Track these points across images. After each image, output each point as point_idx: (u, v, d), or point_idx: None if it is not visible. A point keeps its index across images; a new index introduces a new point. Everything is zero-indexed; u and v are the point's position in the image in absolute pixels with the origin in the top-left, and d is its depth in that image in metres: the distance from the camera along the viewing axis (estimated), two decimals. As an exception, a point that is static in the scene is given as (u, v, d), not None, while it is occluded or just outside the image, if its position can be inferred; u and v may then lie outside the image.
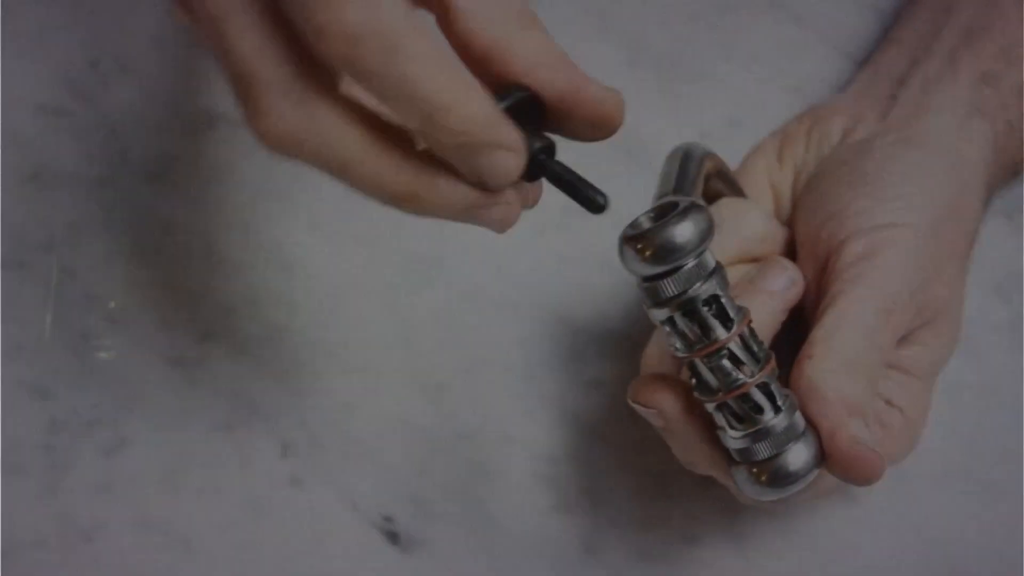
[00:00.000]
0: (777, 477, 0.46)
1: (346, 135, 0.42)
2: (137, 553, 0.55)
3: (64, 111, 0.62)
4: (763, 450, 0.46)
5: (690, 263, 0.45)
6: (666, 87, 0.64)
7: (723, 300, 0.46)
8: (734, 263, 0.53)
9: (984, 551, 0.56)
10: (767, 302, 0.51)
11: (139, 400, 0.57)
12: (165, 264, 0.60)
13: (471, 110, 0.41)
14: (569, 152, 0.62)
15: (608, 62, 0.64)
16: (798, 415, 0.47)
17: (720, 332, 0.46)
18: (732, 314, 0.46)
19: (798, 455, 0.46)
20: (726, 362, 0.46)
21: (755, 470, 0.47)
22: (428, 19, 0.43)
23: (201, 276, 0.60)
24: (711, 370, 0.46)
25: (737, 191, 0.56)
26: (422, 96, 0.40)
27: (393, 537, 0.56)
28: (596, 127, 0.45)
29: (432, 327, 0.59)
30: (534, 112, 0.44)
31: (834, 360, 0.48)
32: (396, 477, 0.57)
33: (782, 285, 0.51)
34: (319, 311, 0.59)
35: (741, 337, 0.46)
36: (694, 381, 0.47)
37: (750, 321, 0.47)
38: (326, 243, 0.60)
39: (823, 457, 0.47)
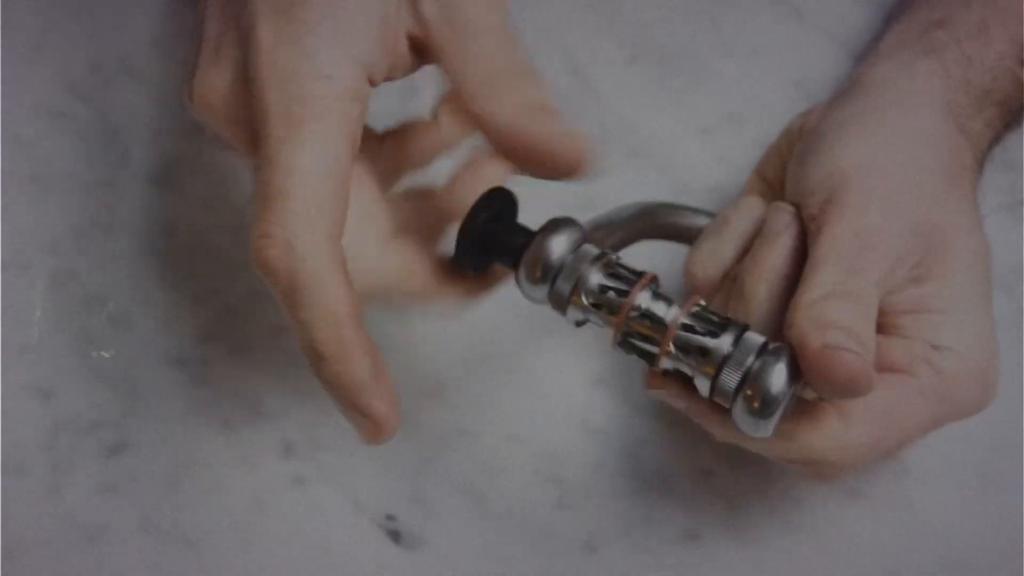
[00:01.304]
0: (766, 399, 0.46)
1: None
2: (140, 553, 0.55)
3: (66, 113, 0.63)
4: (731, 375, 0.46)
5: (568, 261, 0.48)
6: (667, 83, 0.64)
7: (617, 275, 0.48)
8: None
9: (985, 542, 0.56)
10: (777, 241, 0.51)
11: (142, 401, 0.58)
12: (167, 265, 0.60)
13: (341, 370, 0.46)
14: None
15: (609, 59, 0.64)
16: (750, 332, 0.47)
17: (621, 299, 0.48)
18: (632, 279, 0.48)
19: (776, 373, 0.46)
20: (643, 318, 0.48)
21: (744, 403, 0.46)
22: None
23: (203, 277, 0.60)
24: (638, 334, 0.48)
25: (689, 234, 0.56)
26: (307, 338, 0.46)
27: (395, 535, 0.56)
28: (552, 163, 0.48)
29: (434, 326, 0.59)
30: (510, 208, 0.50)
31: (810, 296, 0.48)
32: (398, 476, 0.57)
33: (785, 222, 0.51)
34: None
35: (651, 291, 0.48)
36: (641, 357, 0.48)
37: (652, 278, 0.48)
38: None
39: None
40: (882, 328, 0.50)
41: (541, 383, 0.58)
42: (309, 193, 0.45)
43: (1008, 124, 0.57)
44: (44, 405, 0.57)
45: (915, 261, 0.51)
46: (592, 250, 0.49)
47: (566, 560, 0.56)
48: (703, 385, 0.47)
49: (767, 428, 0.47)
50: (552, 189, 0.60)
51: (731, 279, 0.53)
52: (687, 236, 0.55)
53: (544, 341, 0.59)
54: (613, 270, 0.49)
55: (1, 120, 0.62)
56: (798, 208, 0.52)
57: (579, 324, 0.50)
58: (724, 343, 0.47)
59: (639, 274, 0.49)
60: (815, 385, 0.46)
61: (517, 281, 0.49)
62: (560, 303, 0.49)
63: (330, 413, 0.57)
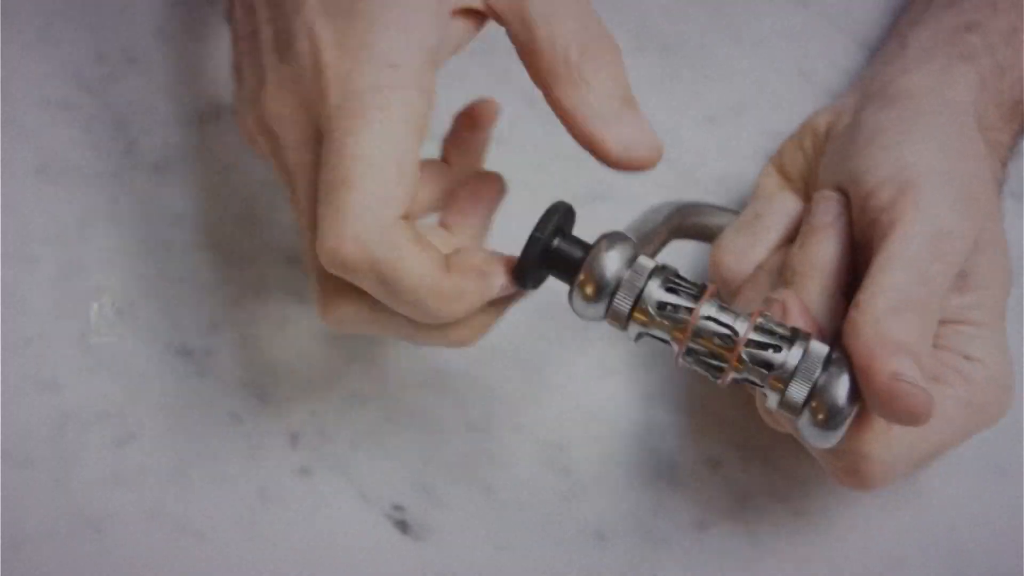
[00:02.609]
0: (832, 412, 0.46)
1: (380, 316, 0.48)
2: (147, 544, 0.55)
3: (71, 104, 0.62)
4: (798, 389, 0.47)
5: (626, 277, 0.48)
6: (672, 72, 0.64)
7: (677, 289, 0.48)
8: (786, 244, 0.54)
9: (994, 531, 0.56)
10: (824, 235, 0.51)
11: (147, 392, 0.58)
12: (172, 256, 0.60)
13: (451, 310, 0.47)
14: (573, 139, 0.62)
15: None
16: (814, 343, 0.47)
17: (686, 311, 0.48)
18: (692, 293, 0.48)
19: (841, 385, 0.46)
20: (709, 332, 0.47)
21: (810, 415, 0.47)
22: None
23: (208, 267, 0.60)
24: (704, 348, 0.48)
25: (711, 233, 0.56)
26: (410, 305, 0.47)
27: (403, 526, 0.56)
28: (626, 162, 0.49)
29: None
30: (570, 220, 0.50)
31: (878, 303, 0.47)
32: (405, 466, 0.57)
33: (833, 215, 0.51)
34: (326, 301, 0.59)
35: (716, 305, 0.48)
36: (706, 372, 0.48)
37: (714, 291, 0.48)
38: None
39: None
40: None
41: (549, 373, 0.58)
42: (378, 183, 0.45)
43: None
44: (50, 397, 0.57)
45: (964, 270, 0.50)
46: (648, 263, 0.48)
47: (574, 550, 0.56)
48: (772, 398, 0.47)
49: (833, 440, 0.47)
50: (560, 178, 0.60)
51: (765, 272, 0.53)
52: (714, 235, 0.55)
53: (552, 331, 0.59)
54: (672, 283, 0.48)
55: (5, 111, 0.62)
56: (847, 198, 0.52)
57: (638, 339, 0.49)
58: (791, 356, 0.47)
59: (699, 286, 0.48)
60: (875, 410, 0.47)
61: (570, 300, 0.49)
62: (619, 319, 0.48)
63: (337, 404, 0.57)
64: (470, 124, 0.53)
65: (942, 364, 0.50)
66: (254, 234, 0.60)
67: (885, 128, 0.52)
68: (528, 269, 0.49)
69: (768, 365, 0.47)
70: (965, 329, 0.51)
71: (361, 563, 0.55)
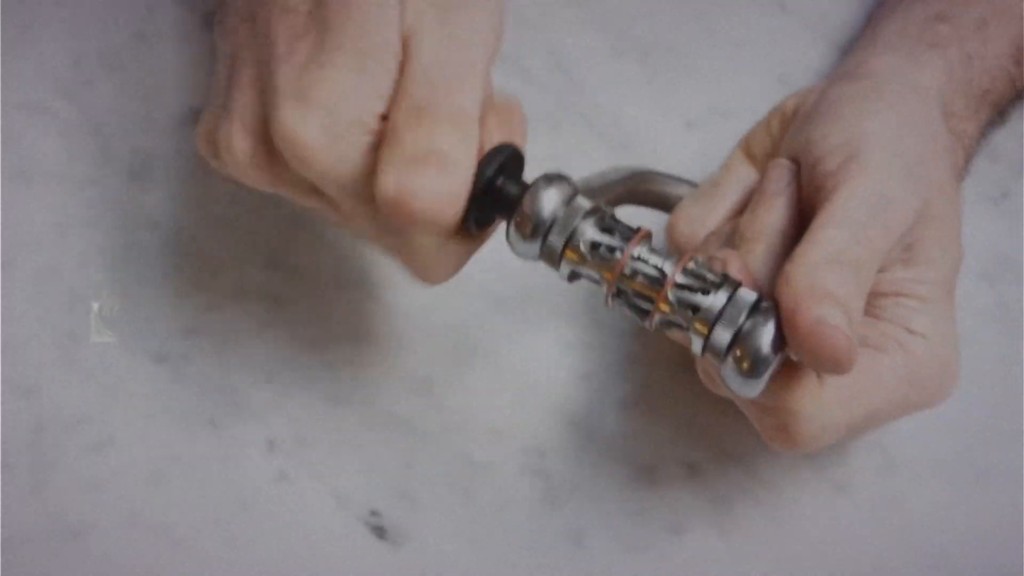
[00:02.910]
0: (755, 360, 0.46)
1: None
2: (125, 550, 0.55)
3: (47, 108, 0.62)
4: (721, 333, 0.46)
5: (561, 215, 0.48)
6: (650, 76, 0.64)
7: (611, 229, 0.48)
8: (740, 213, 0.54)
9: (972, 537, 0.56)
10: (777, 199, 0.51)
11: (125, 397, 0.57)
12: (150, 261, 0.60)
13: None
14: (555, 142, 0.62)
15: (593, 51, 0.64)
16: (743, 290, 0.47)
17: (619, 251, 0.48)
18: (626, 235, 0.48)
19: (766, 332, 0.46)
20: (638, 274, 0.48)
21: (733, 363, 0.46)
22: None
23: (186, 272, 0.60)
24: (632, 290, 0.48)
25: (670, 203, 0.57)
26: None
27: (380, 531, 0.56)
28: None
29: (419, 320, 0.59)
30: (517, 163, 0.50)
31: (813, 255, 0.47)
32: (383, 471, 0.57)
33: (784, 182, 0.51)
34: (304, 306, 0.59)
35: (647, 247, 0.48)
36: (634, 314, 0.49)
37: (646, 234, 0.48)
38: (311, 238, 0.60)
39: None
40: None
41: (526, 377, 0.58)
42: (358, 68, 0.48)
43: (996, 124, 0.58)
44: (27, 402, 0.57)
45: (909, 242, 0.51)
46: (585, 203, 0.48)
47: (552, 554, 0.56)
48: (696, 343, 0.47)
49: (755, 388, 0.47)
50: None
51: (716, 237, 0.53)
52: (672, 205, 0.55)
53: (529, 335, 0.59)
54: (607, 224, 0.48)
55: (-18, 116, 0.62)
56: (799, 167, 0.52)
57: (571, 279, 0.49)
58: (717, 301, 0.47)
59: (634, 230, 0.48)
60: (797, 353, 0.47)
61: (507, 237, 0.49)
62: (552, 257, 0.48)
63: (314, 409, 0.57)
64: None
65: (882, 334, 0.50)
66: (231, 239, 0.60)
67: (844, 101, 0.53)
68: (470, 205, 0.48)
69: (695, 308, 0.47)
70: (908, 302, 0.51)
71: (338, 569, 0.55)
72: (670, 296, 0.47)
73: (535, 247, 0.48)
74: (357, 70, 0.47)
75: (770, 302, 0.47)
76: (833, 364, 0.46)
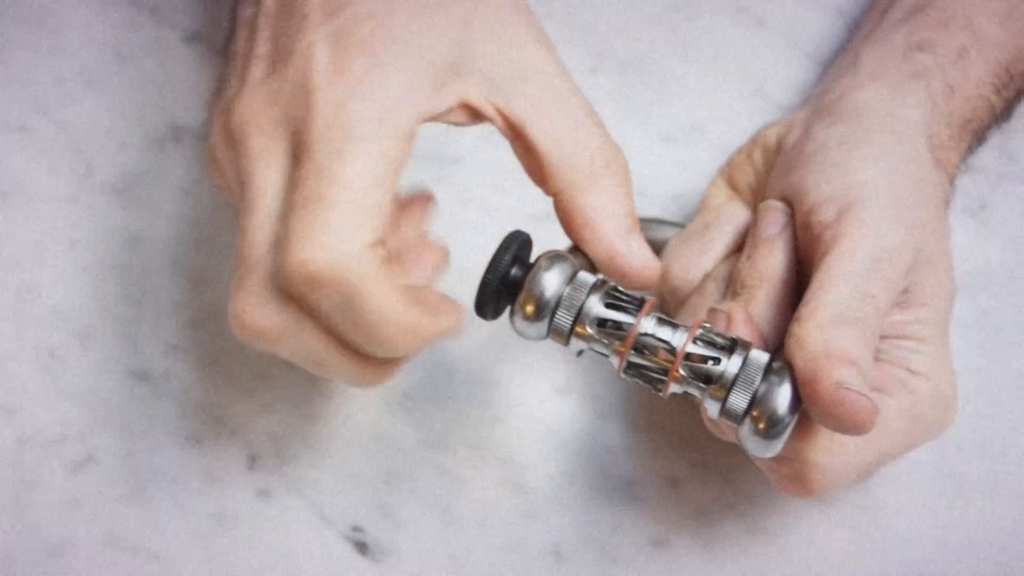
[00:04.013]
0: (772, 421, 0.47)
1: (313, 340, 0.48)
2: (105, 568, 0.55)
3: (28, 127, 0.62)
4: (738, 398, 0.47)
5: (566, 293, 0.48)
6: (629, 92, 0.64)
7: (617, 303, 0.49)
8: (734, 253, 0.54)
9: (952, 548, 0.56)
10: (771, 247, 0.51)
11: (106, 415, 0.57)
12: (130, 279, 0.60)
13: (405, 343, 0.47)
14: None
15: (571, 68, 0.64)
16: (755, 352, 0.48)
17: (628, 323, 0.48)
18: (633, 307, 0.49)
19: (782, 394, 0.47)
20: (649, 345, 0.48)
21: (751, 424, 0.47)
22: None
23: (167, 290, 0.60)
24: (645, 361, 0.48)
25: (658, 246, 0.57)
26: (365, 330, 0.47)
27: (362, 547, 0.56)
28: (630, 283, 0.51)
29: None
30: (526, 249, 0.51)
31: (821, 316, 0.48)
32: (364, 487, 0.57)
33: (780, 226, 0.52)
34: (284, 322, 0.59)
35: (655, 319, 0.49)
36: (648, 384, 0.49)
37: (653, 303, 0.49)
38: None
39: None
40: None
41: (506, 393, 0.58)
42: (357, 207, 0.46)
43: (976, 149, 0.58)
44: (8, 420, 0.57)
45: (905, 286, 0.51)
46: (588, 279, 0.49)
47: (533, 569, 0.56)
48: (713, 408, 0.48)
49: (774, 448, 0.47)
50: (518, 198, 0.60)
51: (713, 280, 0.53)
52: (661, 249, 0.55)
53: (508, 351, 0.59)
54: (612, 298, 0.49)
55: (-37, 135, 0.62)
56: (791, 209, 0.52)
57: (580, 353, 0.50)
58: (731, 365, 0.47)
59: (638, 300, 0.49)
60: (818, 419, 0.47)
61: (511, 320, 0.49)
62: (561, 335, 0.49)
63: (295, 425, 0.57)
64: (411, 215, 0.53)
65: (885, 376, 0.50)
66: (212, 257, 0.60)
67: (832, 144, 0.53)
68: (487, 299, 0.49)
69: (707, 377, 0.48)
70: (908, 344, 0.51)
71: (320, 584, 0.55)
72: (682, 370, 0.48)
73: (542, 328, 0.49)
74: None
75: (782, 362, 0.48)
76: (856, 427, 0.47)
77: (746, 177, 0.57)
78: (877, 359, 0.51)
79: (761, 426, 0.47)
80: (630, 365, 0.49)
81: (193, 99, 0.64)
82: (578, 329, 0.48)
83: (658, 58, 0.65)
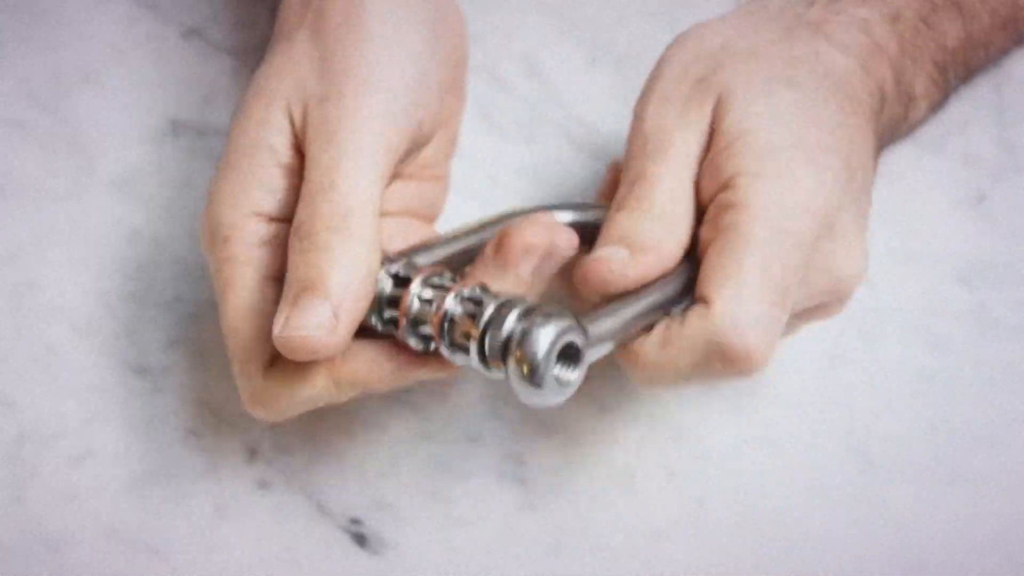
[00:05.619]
0: (534, 360, 0.45)
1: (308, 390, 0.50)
2: (105, 562, 0.55)
3: (27, 123, 0.62)
4: (495, 336, 0.46)
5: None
6: (626, 85, 0.64)
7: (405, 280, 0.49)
8: None
9: (951, 538, 0.56)
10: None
11: (105, 409, 0.57)
12: (129, 273, 0.60)
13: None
14: (530, 152, 0.62)
15: (569, 62, 0.64)
16: (520, 299, 0.47)
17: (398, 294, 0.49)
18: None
19: (544, 334, 0.45)
20: (421, 305, 0.48)
21: (515, 366, 0.46)
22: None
23: (166, 284, 0.60)
24: (420, 323, 0.48)
25: None
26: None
27: (361, 539, 0.56)
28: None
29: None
30: None
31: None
32: (363, 479, 0.57)
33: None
34: (283, 316, 0.59)
35: (430, 285, 0.48)
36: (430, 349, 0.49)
37: (433, 270, 0.49)
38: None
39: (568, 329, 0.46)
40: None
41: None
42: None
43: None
44: (6, 415, 0.57)
45: (707, 126, 0.50)
46: (389, 268, 0.49)
47: (531, 561, 0.56)
48: (476, 360, 0.47)
49: (543, 396, 0.46)
50: (513, 191, 0.60)
51: None
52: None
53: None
54: (399, 280, 0.49)
55: (-39, 130, 0.62)
56: None
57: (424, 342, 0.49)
58: (490, 311, 0.46)
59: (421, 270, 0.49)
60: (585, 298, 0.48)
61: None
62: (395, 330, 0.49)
63: (294, 418, 0.57)
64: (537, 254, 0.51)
65: (710, 222, 0.49)
66: (211, 250, 0.60)
67: None
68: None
69: (466, 320, 0.47)
70: (716, 161, 0.50)
71: (319, 577, 0.55)
72: (445, 323, 0.47)
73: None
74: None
75: (555, 308, 0.46)
76: (595, 284, 0.48)
77: None
78: (704, 224, 0.50)
79: (526, 370, 0.45)
80: (413, 335, 0.48)
81: (191, 94, 0.64)
82: (386, 316, 0.49)
83: (655, 51, 0.64)
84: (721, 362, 0.47)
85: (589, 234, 0.51)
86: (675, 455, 0.57)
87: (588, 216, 0.53)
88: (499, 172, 0.61)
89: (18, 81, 0.63)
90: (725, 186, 0.49)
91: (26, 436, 0.57)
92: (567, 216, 0.53)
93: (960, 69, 0.58)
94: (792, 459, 0.57)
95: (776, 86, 0.50)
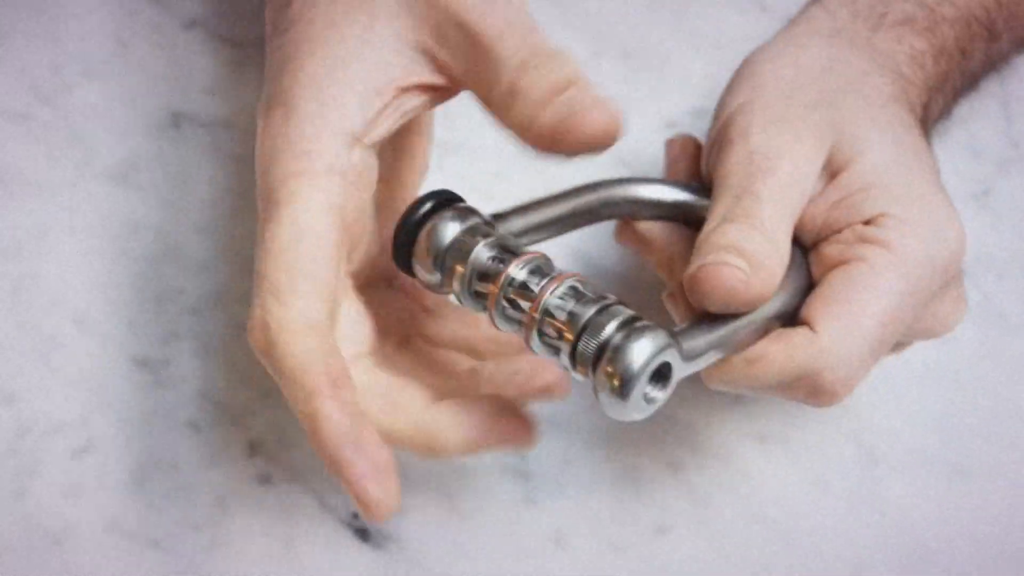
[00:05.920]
0: (626, 375, 0.44)
1: None
2: (106, 555, 0.55)
3: (27, 115, 0.62)
4: (587, 344, 0.45)
5: (456, 240, 0.47)
6: (631, 77, 0.64)
7: (503, 253, 0.47)
8: None
9: (954, 533, 0.56)
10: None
11: (106, 402, 0.57)
12: (131, 265, 0.60)
13: (319, 440, 0.46)
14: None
15: (572, 52, 0.63)
16: (620, 307, 0.45)
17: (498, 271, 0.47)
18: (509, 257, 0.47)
19: (639, 348, 0.44)
20: (518, 290, 0.47)
21: (604, 379, 0.44)
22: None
23: (167, 277, 0.60)
24: (513, 306, 0.47)
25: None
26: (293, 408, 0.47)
27: (363, 534, 0.56)
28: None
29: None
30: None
31: (706, 229, 0.48)
32: (365, 474, 0.56)
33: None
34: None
35: (527, 267, 0.47)
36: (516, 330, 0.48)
37: (535, 255, 0.47)
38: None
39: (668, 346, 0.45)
40: (819, 238, 0.50)
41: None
42: (282, 273, 0.46)
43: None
44: (8, 408, 0.57)
45: (824, 160, 0.50)
46: (481, 228, 0.48)
47: (534, 556, 0.55)
48: (565, 358, 0.46)
49: (630, 411, 0.45)
50: (519, 185, 0.60)
51: None
52: (644, 213, 0.53)
53: (510, 336, 0.59)
54: (498, 248, 0.47)
55: (-38, 122, 0.62)
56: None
57: (461, 301, 0.48)
58: (588, 314, 0.45)
59: (525, 255, 0.47)
60: (698, 305, 0.47)
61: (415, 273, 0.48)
62: (453, 286, 0.48)
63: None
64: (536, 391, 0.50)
65: (842, 244, 0.49)
66: (213, 243, 0.60)
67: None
68: (398, 250, 0.49)
69: (566, 319, 0.45)
70: (853, 199, 0.49)
71: (321, 572, 0.55)
72: (536, 315, 0.46)
73: (437, 277, 0.47)
74: None
75: (658, 326, 0.45)
76: (726, 297, 0.46)
77: None
78: (833, 234, 0.49)
79: (616, 383, 0.44)
80: (502, 315, 0.47)
81: (193, 86, 0.63)
82: (458, 270, 0.47)
83: (660, 44, 0.65)
84: (806, 391, 0.47)
85: (681, 216, 0.52)
86: (679, 450, 0.57)
87: (684, 196, 0.53)
88: (503, 167, 0.61)
89: (19, 73, 0.63)
90: (868, 222, 0.49)
91: (27, 429, 0.57)
92: (659, 191, 0.53)
93: (974, 85, 0.58)
94: (796, 454, 0.57)
95: (894, 131, 0.51)
